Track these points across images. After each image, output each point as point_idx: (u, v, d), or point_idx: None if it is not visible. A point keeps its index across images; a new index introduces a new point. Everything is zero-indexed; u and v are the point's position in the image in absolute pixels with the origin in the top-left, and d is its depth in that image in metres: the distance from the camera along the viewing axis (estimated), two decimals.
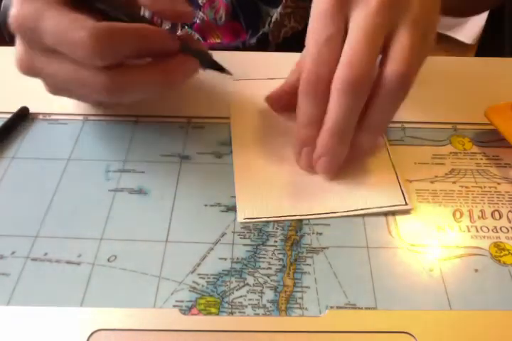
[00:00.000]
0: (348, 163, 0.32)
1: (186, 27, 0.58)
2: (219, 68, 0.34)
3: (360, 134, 0.30)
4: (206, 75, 0.33)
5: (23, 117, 0.35)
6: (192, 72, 0.32)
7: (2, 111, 0.35)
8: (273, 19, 0.52)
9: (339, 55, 0.30)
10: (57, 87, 0.32)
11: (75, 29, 0.27)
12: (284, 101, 0.36)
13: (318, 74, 0.30)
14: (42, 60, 0.29)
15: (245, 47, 0.52)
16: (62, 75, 0.29)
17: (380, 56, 0.30)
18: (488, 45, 0.70)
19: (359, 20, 0.29)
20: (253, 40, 0.53)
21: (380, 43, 0.29)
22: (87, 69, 0.28)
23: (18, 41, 0.30)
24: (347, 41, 0.29)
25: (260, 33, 0.53)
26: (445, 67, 0.42)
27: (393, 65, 0.28)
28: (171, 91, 0.36)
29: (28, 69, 0.30)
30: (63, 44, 0.27)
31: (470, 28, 1.38)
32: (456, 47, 1.39)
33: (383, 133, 0.34)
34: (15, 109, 0.35)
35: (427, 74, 0.36)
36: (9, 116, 0.35)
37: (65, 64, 0.29)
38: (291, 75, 0.35)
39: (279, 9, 0.51)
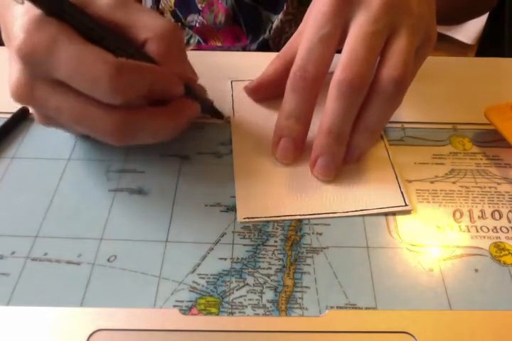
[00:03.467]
0: (346, 164, 0.32)
1: (187, 28, 0.58)
2: (218, 114, 0.34)
3: (356, 135, 0.31)
4: (205, 76, 0.33)
5: (23, 117, 0.35)
6: (194, 116, 0.31)
7: (2, 111, 0.35)
8: (274, 26, 0.52)
9: (331, 55, 0.30)
10: (52, 120, 0.29)
11: (95, 62, 0.25)
12: (262, 92, 0.37)
13: (306, 70, 0.30)
14: (45, 91, 0.27)
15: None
16: (68, 111, 0.27)
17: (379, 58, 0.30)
18: (488, 45, 0.70)
19: (360, 25, 0.29)
20: (253, 46, 0.54)
21: (380, 47, 0.29)
22: (99, 107, 0.27)
23: (16, 67, 0.27)
24: (346, 44, 0.29)
25: (261, 39, 0.53)
26: (445, 67, 0.42)
27: (389, 70, 0.29)
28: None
29: (27, 99, 0.27)
30: (80, 78, 0.25)
31: (470, 28, 1.38)
32: (456, 47, 1.39)
33: (380, 134, 0.35)
34: (15, 109, 0.35)
35: (427, 74, 0.36)
36: (9, 116, 0.35)
37: (74, 99, 0.26)
38: (269, 67, 0.36)
39: (279, 16, 0.51)
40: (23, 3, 0.26)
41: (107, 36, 0.27)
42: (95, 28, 0.26)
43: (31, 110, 0.30)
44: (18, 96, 0.27)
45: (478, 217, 0.30)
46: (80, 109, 0.27)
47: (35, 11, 0.26)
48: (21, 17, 0.26)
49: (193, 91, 0.31)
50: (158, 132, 0.29)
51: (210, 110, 0.34)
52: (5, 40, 0.32)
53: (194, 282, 0.27)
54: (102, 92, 0.26)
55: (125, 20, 0.28)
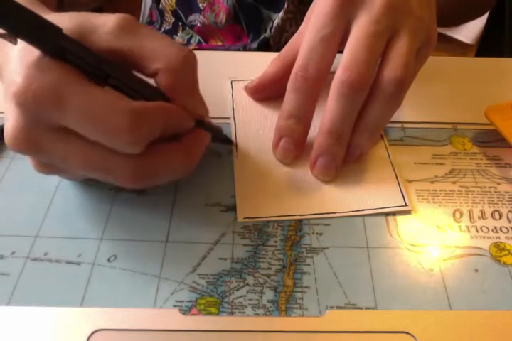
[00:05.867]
0: (346, 164, 0.32)
1: (187, 28, 0.58)
2: (228, 142, 0.34)
3: (356, 135, 0.31)
4: (205, 75, 0.33)
5: None
6: (205, 146, 0.29)
7: (2, 111, 0.35)
8: (274, 24, 0.52)
9: (332, 55, 0.30)
10: (54, 168, 0.27)
11: (111, 112, 0.23)
12: (262, 92, 0.37)
13: (307, 70, 0.30)
14: (50, 140, 0.24)
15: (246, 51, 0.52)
16: (78, 161, 0.25)
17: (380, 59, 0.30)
18: (488, 45, 0.70)
19: (361, 25, 0.29)
20: (254, 45, 0.54)
21: (381, 49, 0.29)
22: (114, 155, 0.24)
23: (14, 113, 0.24)
24: (347, 45, 0.30)
25: (261, 37, 0.53)
26: (445, 67, 0.42)
27: (390, 71, 0.29)
28: None
29: (28, 148, 0.25)
30: (95, 130, 0.23)
31: (470, 28, 1.38)
32: (456, 47, 1.39)
33: (380, 134, 0.35)
34: None
35: (427, 74, 0.36)
36: None
37: (85, 148, 0.24)
38: (270, 67, 0.36)
39: (280, 14, 0.51)
40: (15, 43, 0.23)
41: (112, 73, 0.24)
42: (99, 66, 0.24)
43: (27, 157, 0.27)
44: (17, 146, 0.25)
45: (478, 217, 0.30)
46: (93, 158, 0.24)
47: (32, 52, 0.23)
48: (17, 59, 0.24)
49: (204, 122, 0.29)
50: (176, 171, 0.27)
51: (220, 138, 0.33)
52: None
53: (194, 282, 0.27)
54: (121, 145, 0.24)
55: (132, 48, 0.25)
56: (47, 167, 0.27)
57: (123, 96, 0.24)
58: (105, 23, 0.25)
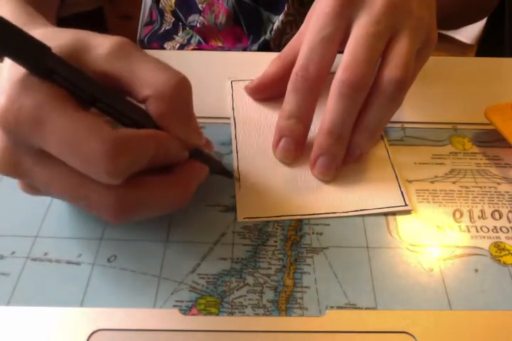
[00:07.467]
0: (346, 164, 0.32)
1: (187, 28, 0.58)
2: (227, 174, 0.32)
3: (356, 135, 0.31)
4: (205, 75, 0.33)
5: None
6: (202, 179, 0.27)
7: None
8: (274, 27, 0.52)
9: (332, 56, 0.30)
10: (41, 191, 0.25)
11: (90, 139, 0.21)
12: (263, 92, 0.37)
13: (308, 70, 0.30)
14: (32, 163, 0.23)
15: None
16: (59, 187, 0.23)
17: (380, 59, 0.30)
18: (488, 45, 0.70)
19: (362, 25, 0.29)
20: (254, 47, 0.54)
21: (381, 49, 0.29)
22: (95, 184, 0.23)
23: None
24: (348, 45, 0.30)
25: (261, 39, 0.53)
26: (445, 67, 0.42)
27: (390, 71, 0.29)
28: None
29: (10, 171, 0.24)
30: (73, 156, 0.22)
31: (470, 28, 1.38)
32: (456, 47, 1.39)
33: (380, 134, 0.35)
34: None
35: (427, 74, 0.36)
36: None
37: (65, 174, 0.23)
38: (270, 67, 0.36)
39: (280, 17, 0.51)
40: (2, 60, 0.21)
41: (101, 97, 0.23)
42: (88, 89, 0.22)
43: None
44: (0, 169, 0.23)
45: (478, 217, 0.30)
46: (73, 186, 0.23)
47: (19, 70, 0.22)
48: (5, 76, 0.23)
49: (201, 153, 0.28)
50: (165, 206, 0.26)
51: (219, 170, 0.31)
52: None
53: (194, 282, 0.27)
54: (99, 174, 0.22)
55: (125, 73, 0.24)
56: (33, 189, 0.26)
57: (107, 123, 0.22)
58: (101, 45, 0.24)
